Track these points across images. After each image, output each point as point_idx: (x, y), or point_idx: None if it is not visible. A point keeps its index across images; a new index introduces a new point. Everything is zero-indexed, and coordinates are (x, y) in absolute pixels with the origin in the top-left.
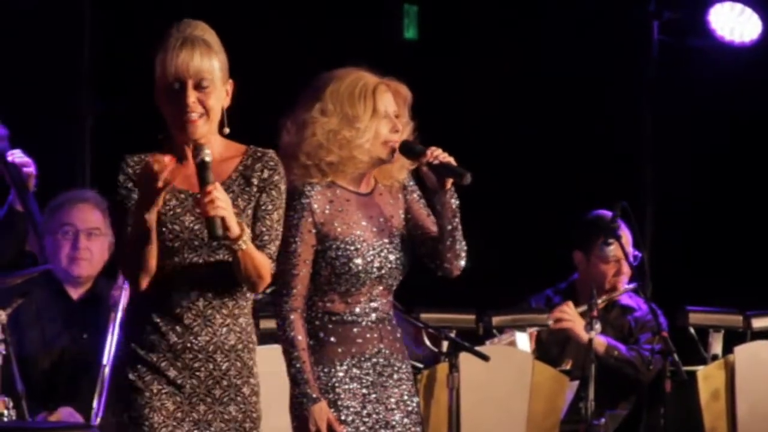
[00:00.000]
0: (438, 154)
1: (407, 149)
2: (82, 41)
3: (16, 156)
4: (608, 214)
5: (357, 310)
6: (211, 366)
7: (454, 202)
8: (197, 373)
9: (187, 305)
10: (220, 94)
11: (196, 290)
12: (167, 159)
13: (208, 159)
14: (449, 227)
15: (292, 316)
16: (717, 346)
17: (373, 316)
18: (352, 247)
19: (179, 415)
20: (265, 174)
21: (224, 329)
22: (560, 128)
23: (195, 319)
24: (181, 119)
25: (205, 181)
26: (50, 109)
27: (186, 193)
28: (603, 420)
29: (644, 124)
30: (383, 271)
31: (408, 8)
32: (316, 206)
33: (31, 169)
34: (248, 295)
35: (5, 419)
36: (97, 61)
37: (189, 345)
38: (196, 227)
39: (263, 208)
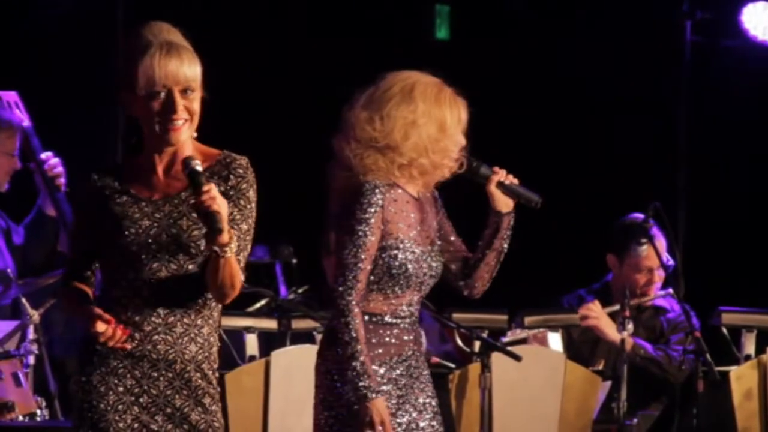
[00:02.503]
0: (507, 175)
1: (474, 168)
2: (115, 41)
3: (50, 165)
4: (642, 218)
5: (397, 312)
6: (171, 375)
7: (510, 229)
8: (156, 383)
9: (147, 312)
10: (199, 99)
11: (157, 297)
12: (116, 333)
13: (199, 168)
14: (500, 248)
15: (356, 309)
16: (750, 346)
17: (408, 319)
18: (410, 249)
19: (136, 425)
20: (232, 181)
21: (185, 338)
22: (592, 129)
23: (156, 327)
24: (165, 126)
25: (200, 184)
26: (83, 109)
27: (147, 200)
28: (635, 420)
29: (677, 125)
30: (426, 277)
31: (440, 8)
32: (386, 204)
33: (60, 170)
34: (214, 305)
35: (38, 419)
36: None
37: (147, 353)
38: (152, 231)
39: (231, 218)
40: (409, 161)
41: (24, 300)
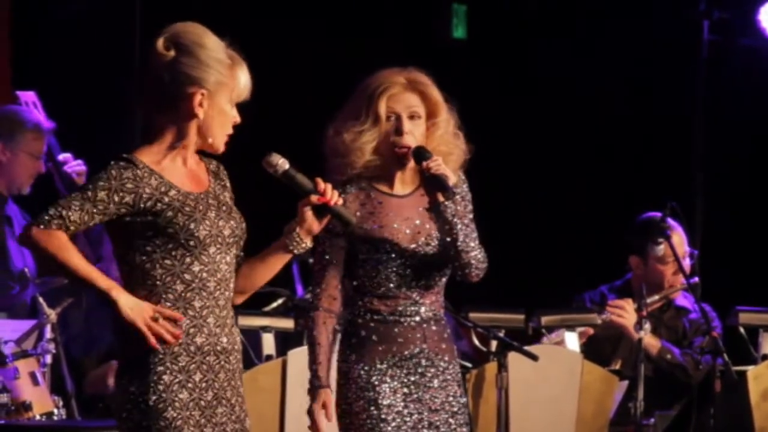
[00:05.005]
0: (432, 166)
1: (417, 155)
2: (133, 44)
3: (71, 165)
4: (659, 215)
5: (399, 309)
6: (228, 367)
7: (449, 216)
8: (218, 375)
9: (211, 305)
10: None
11: (219, 290)
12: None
13: (287, 165)
14: (448, 239)
15: (313, 314)
16: (767, 345)
17: (417, 317)
18: (383, 250)
19: (203, 421)
20: (228, 185)
21: (234, 329)
22: (609, 128)
23: (217, 319)
24: (226, 132)
25: (303, 180)
26: (101, 108)
27: (195, 195)
28: (652, 420)
29: (694, 124)
30: (419, 273)
31: (457, 8)
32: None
33: (82, 168)
34: None
35: (55, 418)
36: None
37: (213, 346)
38: (221, 222)
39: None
40: (333, 160)
41: (41, 299)
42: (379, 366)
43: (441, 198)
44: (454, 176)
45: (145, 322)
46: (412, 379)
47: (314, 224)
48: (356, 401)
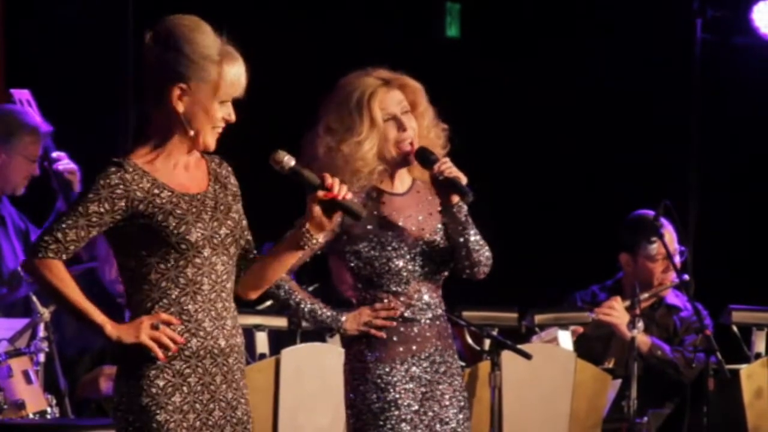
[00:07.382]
0: (444, 169)
1: (422, 157)
2: (126, 43)
3: (62, 163)
4: (651, 213)
5: (412, 304)
6: (225, 368)
7: (462, 217)
8: (215, 378)
9: (206, 308)
10: None
11: (214, 291)
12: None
13: (293, 162)
14: (460, 239)
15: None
16: (760, 344)
17: (429, 314)
18: (389, 247)
19: (197, 424)
20: (233, 181)
21: (234, 330)
22: (604, 127)
23: (214, 321)
24: (213, 129)
25: (310, 176)
26: (94, 107)
27: (190, 196)
28: (645, 418)
29: (688, 123)
30: (426, 269)
31: (450, 6)
32: None
33: (72, 167)
34: None
35: (48, 416)
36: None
37: (210, 349)
38: (215, 224)
39: (243, 215)
40: (368, 171)
41: (35, 298)
42: (399, 367)
43: (456, 200)
44: (463, 176)
45: (148, 335)
46: (427, 377)
47: (323, 220)
48: (375, 402)
